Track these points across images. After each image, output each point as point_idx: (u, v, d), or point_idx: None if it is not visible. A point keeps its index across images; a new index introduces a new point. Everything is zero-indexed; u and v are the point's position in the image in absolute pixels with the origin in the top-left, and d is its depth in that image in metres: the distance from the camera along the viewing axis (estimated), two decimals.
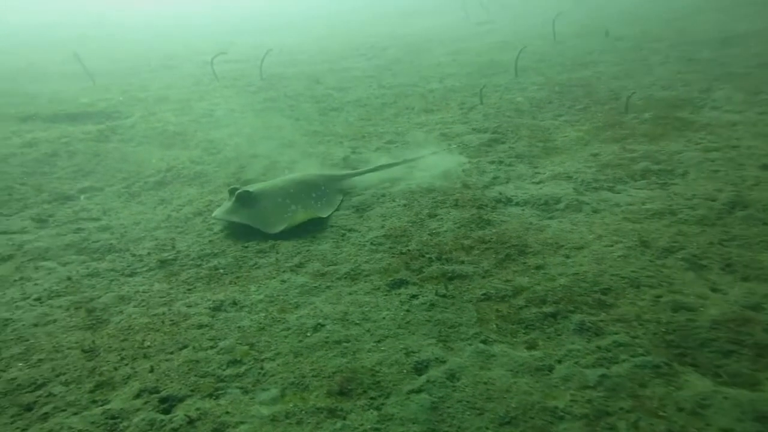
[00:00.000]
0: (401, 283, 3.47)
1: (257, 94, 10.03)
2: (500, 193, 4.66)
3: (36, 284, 3.88)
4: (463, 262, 3.63)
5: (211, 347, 2.93)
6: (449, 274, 3.48)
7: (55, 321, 3.40)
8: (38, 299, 3.68)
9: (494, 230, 4.01)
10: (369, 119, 8.10)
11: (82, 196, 5.54)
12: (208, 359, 2.84)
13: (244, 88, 10.50)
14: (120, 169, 6.24)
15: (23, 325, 3.35)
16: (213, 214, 4.51)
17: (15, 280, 3.95)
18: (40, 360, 2.97)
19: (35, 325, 3.35)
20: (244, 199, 4.41)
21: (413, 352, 2.78)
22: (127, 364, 2.85)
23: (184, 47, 17.51)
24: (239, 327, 3.12)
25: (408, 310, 3.15)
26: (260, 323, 3.16)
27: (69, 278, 3.96)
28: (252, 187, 4.58)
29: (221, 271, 3.93)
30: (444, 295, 3.25)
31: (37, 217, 4.96)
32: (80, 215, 5.10)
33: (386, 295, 3.36)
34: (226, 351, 2.91)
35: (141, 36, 21.41)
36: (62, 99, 10.00)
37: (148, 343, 3.01)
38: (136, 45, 18.84)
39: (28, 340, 3.20)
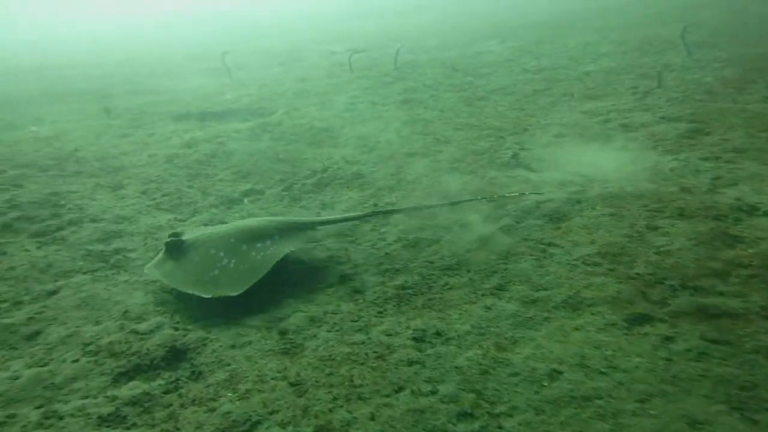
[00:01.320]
0: (644, 318, 2.88)
1: (394, 84, 9.76)
2: (737, 200, 3.86)
3: (219, 298, 3.82)
4: (722, 294, 2.95)
5: (432, 392, 2.58)
6: (710, 310, 2.83)
7: (250, 343, 3.27)
8: (224, 315, 3.60)
9: (751, 250, 3.27)
10: (522, 109, 7.45)
11: (245, 200, 5.56)
12: (433, 409, 2.49)
13: (380, 79, 10.29)
14: (276, 170, 6.22)
15: (221, 345, 3.25)
16: (145, 268, 3.81)
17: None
18: (248, 391, 2.82)
19: (233, 347, 3.24)
20: (172, 250, 3.71)
21: (700, 424, 2.21)
22: (341, 406, 2.58)
23: (301, 38, 17.84)
24: (456, 367, 2.74)
25: (668, 359, 2.57)
26: (480, 364, 2.75)
27: (247, 292, 3.85)
28: (188, 234, 3.89)
29: (409, 291, 3.60)
30: (715, 341, 2.62)
31: (209, 223, 5.01)
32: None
33: (628, 334, 2.80)
34: (450, 399, 2.54)
35: (265, 31, 22.31)
36: (206, 95, 10.46)
37: (359, 381, 2.73)
38: (261, 39, 19.60)
39: (229, 365, 3.08)
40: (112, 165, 6.43)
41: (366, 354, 2.96)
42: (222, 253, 3.72)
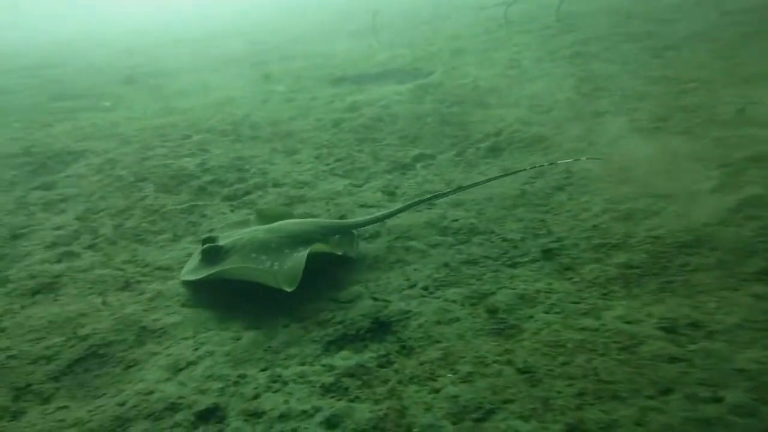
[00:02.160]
0: None
1: (559, 37, 8.95)
2: None
3: (416, 269, 3.68)
4: None
5: (713, 399, 2.17)
6: None
7: (458, 320, 3.08)
8: (426, 288, 3.45)
9: None
10: (731, 57, 6.35)
11: (418, 165, 5.39)
12: (725, 421, 2.08)
13: (541, 32, 9.51)
14: (445, 134, 5.96)
15: (427, 321, 3.10)
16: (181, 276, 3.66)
17: (392, 263, 3.82)
18: (469, 374, 2.63)
19: (439, 323, 3.07)
20: (210, 256, 3.54)
21: None
22: (592, 404, 2.28)
23: None
24: (739, 371, 2.29)
25: None
26: None
27: (446, 264, 3.67)
28: (224, 240, 3.68)
29: (637, 271, 3.15)
30: None
31: (385, 189, 4.91)
32: (424, 187, 4.90)
33: None
34: (746, 411, 2.11)
35: None
36: (357, 58, 10.47)
37: (606, 376, 2.40)
38: None
39: (440, 342, 2.92)
40: (283, 130, 6.63)
41: (605, 343, 2.61)
42: (264, 257, 3.49)
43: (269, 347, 3.04)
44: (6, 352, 2.96)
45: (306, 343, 3.06)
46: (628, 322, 2.71)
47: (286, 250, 3.52)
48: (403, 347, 2.93)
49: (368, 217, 4.07)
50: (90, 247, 4.17)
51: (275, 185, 5.10)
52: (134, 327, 3.22)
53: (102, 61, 15.53)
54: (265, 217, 4.17)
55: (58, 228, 4.42)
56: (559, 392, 2.38)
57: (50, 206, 4.86)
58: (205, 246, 3.56)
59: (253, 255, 3.49)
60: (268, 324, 3.24)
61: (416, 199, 4.15)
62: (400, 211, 4.04)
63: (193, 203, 4.84)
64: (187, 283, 3.61)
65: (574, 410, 2.26)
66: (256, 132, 6.63)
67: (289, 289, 3.23)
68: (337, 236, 3.85)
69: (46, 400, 2.71)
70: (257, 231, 3.71)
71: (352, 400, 2.59)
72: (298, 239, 3.61)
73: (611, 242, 3.46)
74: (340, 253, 3.66)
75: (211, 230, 4.26)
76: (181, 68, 13.43)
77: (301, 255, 3.42)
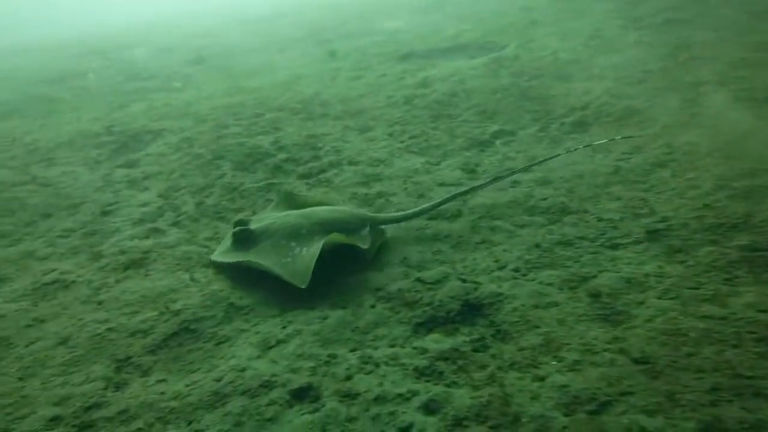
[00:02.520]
0: None
1: (645, 4, 8.36)
2: None
3: (504, 250, 3.51)
4: None
5: None
6: None
7: (556, 304, 2.90)
8: (517, 270, 3.28)
9: None
10: None
11: (497, 142, 5.17)
12: None
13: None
14: (525, 108, 5.69)
15: (522, 304, 2.94)
16: (211, 256, 3.63)
17: (477, 243, 3.66)
18: (576, 362, 2.46)
19: (536, 307, 2.91)
20: (241, 239, 3.48)
21: None
22: (730, 401, 2.07)
23: None
24: None
25: None
26: None
27: (537, 245, 3.48)
28: (256, 223, 3.58)
29: (765, 254, 2.85)
30: None
31: (465, 167, 4.74)
32: (505, 164, 4.69)
33: None
34: None
35: None
36: (424, 33, 10.23)
37: (745, 370, 2.18)
38: None
39: (539, 327, 2.76)
40: (353, 107, 6.55)
41: (736, 333, 2.37)
42: (294, 243, 3.38)
43: (357, 327, 2.98)
44: (105, 324, 3.05)
45: (394, 324, 2.97)
46: (762, 311, 2.45)
47: (316, 237, 3.42)
48: (498, 331, 2.80)
49: (405, 212, 3.85)
50: (174, 224, 4.25)
51: (350, 163, 5.03)
52: (222, 303, 3.24)
53: (169, 44, 16.01)
54: (291, 201, 4.10)
55: (143, 205, 4.54)
56: (686, 386, 2.17)
57: (134, 184, 5.01)
58: (236, 229, 3.52)
59: (283, 241, 3.42)
60: (354, 304, 3.18)
61: (454, 192, 3.90)
62: (434, 206, 3.82)
63: (270, 181, 4.84)
64: (215, 264, 3.62)
65: (707, 407, 2.05)
66: (327, 110, 6.58)
67: (302, 286, 3.11)
68: (367, 229, 3.65)
69: (146, 373, 2.76)
70: (289, 216, 3.64)
71: (448, 385, 2.48)
72: (329, 227, 3.49)
73: (729, 222, 3.16)
74: (365, 247, 3.47)
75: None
76: (247, 48, 13.62)
77: (314, 249, 3.27)
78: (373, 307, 3.14)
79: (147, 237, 4.07)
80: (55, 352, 2.85)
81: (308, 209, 3.78)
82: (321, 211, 3.71)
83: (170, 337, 3.00)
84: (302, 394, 2.52)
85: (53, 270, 3.63)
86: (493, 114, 5.74)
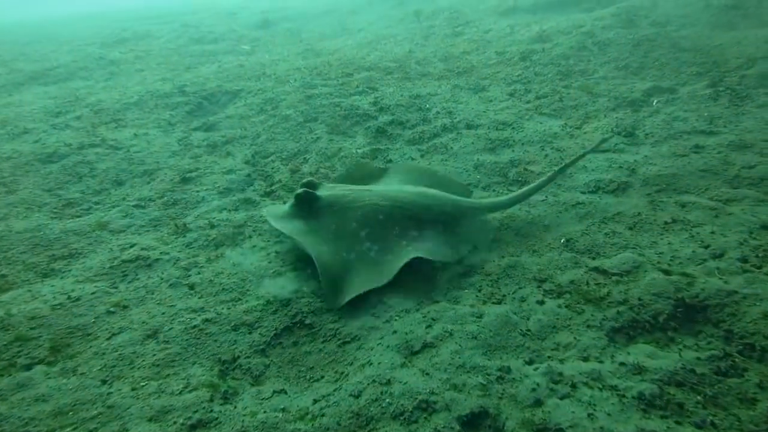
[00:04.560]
0: None
1: None
2: None
3: (712, 232, 2.76)
4: None
5: None
6: None
7: None
8: (744, 260, 2.53)
9: None
10: None
11: (654, 101, 4.35)
12: None
13: None
14: (682, 61, 4.82)
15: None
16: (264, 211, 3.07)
17: (666, 223, 2.92)
18: None
19: None
20: (303, 204, 2.85)
21: None
22: None
23: None
24: None
25: None
26: None
27: (766, 226, 2.71)
28: (326, 190, 2.91)
29: None
30: None
31: (619, 130, 3.96)
32: (675, 126, 3.88)
33: None
34: None
35: None
36: None
37: None
38: None
39: None
40: (458, 65, 5.85)
41: None
42: (364, 233, 2.70)
43: (527, 331, 2.33)
44: (201, 314, 2.53)
45: (579, 329, 2.31)
46: None
47: (395, 231, 2.74)
48: (749, 346, 2.08)
49: (509, 196, 3.06)
50: (267, 194, 3.72)
51: (469, 126, 4.35)
52: None
53: (233, 6, 15.75)
54: (364, 173, 3.42)
55: (228, 172, 4.04)
56: None
57: (215, 148, 4.53)
58: (300, 191, 2.86)
59: (354, 226, 2.73)
60: (514, 297, 2.53)
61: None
62: (540, 186, 3.04)
63: (374, 146, 4.24)
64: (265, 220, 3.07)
65: None
66: (426, 68, 5.92)
67: (330, 307, 2.51)
68: (466, 220, 2.93)
69: (258, 380, 2.22)
70: (368, 192, 2.91)
71: (702, 428, 1.80)
72: (417, 218, 2.79)
73: None
74: (466, 252, 2.80)
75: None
76: (314, 12, 13.15)
77: (388, 266, 2.56)
78: (541, 303, 2.48)
79: (236, 209, 3.55)
80: (144, 348, 2.35)
81: (396, 186, 3.07)
82: (411, 192, 2.96)
83: (282, 334, 2.46)
84: (476, 423, 1.91)
85: (132, 245, 3.16)
86: (639, 69, 4.90)
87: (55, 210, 3.61)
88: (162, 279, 2.82)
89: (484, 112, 4.59)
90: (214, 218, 3.39)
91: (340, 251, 2.67)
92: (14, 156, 4.36)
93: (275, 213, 2.96)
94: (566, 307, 2.46)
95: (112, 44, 10.37)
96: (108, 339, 2.42)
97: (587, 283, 2.56)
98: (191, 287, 2.75)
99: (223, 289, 2.73)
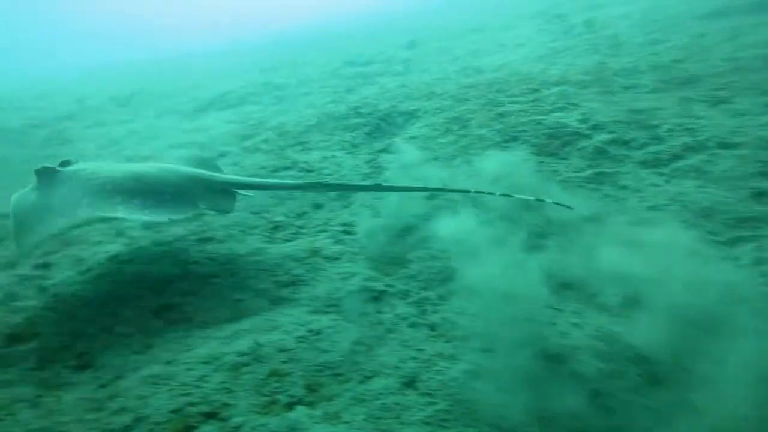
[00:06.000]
0: None
1: None
2: None
3: None
4: None
5: None
6: None
7: None
8: None
9: None
10: None
11: None
12: None
13: None
14: None
15: None
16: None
17: None
18: None
19: None
20: (44, 180, 3.07)
21: None
22: None
23: None
24: None
25: None
26: None
27: None
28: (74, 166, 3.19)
29: None
30: None
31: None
32: None
33: None
34: None
35: None
36: None
37: None
38: None
39: None
40: (676, 75, 5.25)
41: None
42: (86, 200, 2.83)
43: None
44: None
45: None
46: None
47: (117, 199, 2.83)
48: None
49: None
50: (484, 222, 3.35)
51: (723, 146, 3.70)
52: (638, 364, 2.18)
53: (380, 28, 16.10)
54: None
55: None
56: None
57: (406, 171, 4.26)
58: (39, 167, 3.07)
59: (80, 192, 2.89)
60: None
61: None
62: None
63: (597, 170, 3.75)
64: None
65: None
66: (631, 80, 5.35)
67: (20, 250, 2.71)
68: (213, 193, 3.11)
69: None
70: (115, 168, 3.12)
71: None
72: (146, 188, 2.92)
73: None
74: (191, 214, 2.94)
75: None
76: (460, 31, 12.98)
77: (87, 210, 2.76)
78: None
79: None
80: None
81: (157, 165, 3.20)
82: (164, 169, 3.12)
83: None
84: None
85: (352, 275, 2.92)
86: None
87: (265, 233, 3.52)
88: None
89: (740, 127, 3.93)
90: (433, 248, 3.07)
91: (44, 205, 2.86)
92: None
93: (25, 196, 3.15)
94: None
95: (270, 70, 10.85)
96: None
97: None
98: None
99: None
